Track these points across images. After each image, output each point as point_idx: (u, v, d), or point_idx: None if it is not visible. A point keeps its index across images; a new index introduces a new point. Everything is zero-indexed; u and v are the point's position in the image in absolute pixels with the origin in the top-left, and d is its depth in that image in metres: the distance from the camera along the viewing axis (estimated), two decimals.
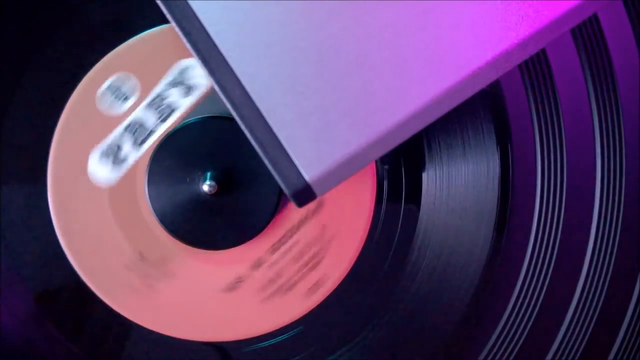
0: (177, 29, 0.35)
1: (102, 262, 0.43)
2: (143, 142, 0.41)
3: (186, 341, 0.44)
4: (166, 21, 0.35)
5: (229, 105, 0.34)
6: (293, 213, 0.43)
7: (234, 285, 0.43)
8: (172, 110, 0.41)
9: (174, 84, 0.41)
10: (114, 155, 0.41)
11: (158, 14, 0.36)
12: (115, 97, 0.41)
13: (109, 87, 0.41)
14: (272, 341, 0.44)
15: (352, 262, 0.43)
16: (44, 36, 0.42)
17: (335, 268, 0.43)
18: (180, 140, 0.42)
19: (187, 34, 0.34)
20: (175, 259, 0.43)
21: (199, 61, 0.34)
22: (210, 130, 0.42)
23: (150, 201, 0.42)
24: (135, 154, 0.41)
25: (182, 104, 0.41)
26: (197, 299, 0.43)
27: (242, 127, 0.35)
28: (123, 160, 0.41)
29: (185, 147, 0.42)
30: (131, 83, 0.40)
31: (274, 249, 0.43)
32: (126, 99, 0.41)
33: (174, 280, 0.43)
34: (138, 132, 0.41)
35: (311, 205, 0.43)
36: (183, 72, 0.41)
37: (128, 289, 0.43)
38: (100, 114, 0.42)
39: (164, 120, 0.41)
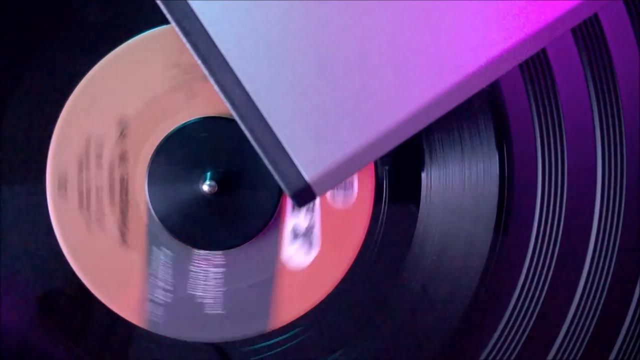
0: (177, 29, 0.35)
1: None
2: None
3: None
4: (166, 21, 0.35)
5: (229, 105, 0.34)
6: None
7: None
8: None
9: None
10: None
11: (158, 14, 0.35)
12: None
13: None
14: (272, 341, 0.44)
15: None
16: (44, 36, 0.42)
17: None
18: (180, 140, 0.42)
19: (187, 34, 0.34)
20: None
21: (199, 61, 0.34)
22: (210, 130, 0.42)
23: (150, 201, 0.42)
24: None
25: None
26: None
27: (242, 127, 0.35)
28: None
29: (185, 147, 0.42)
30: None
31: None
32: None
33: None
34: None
35: None
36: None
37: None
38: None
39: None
